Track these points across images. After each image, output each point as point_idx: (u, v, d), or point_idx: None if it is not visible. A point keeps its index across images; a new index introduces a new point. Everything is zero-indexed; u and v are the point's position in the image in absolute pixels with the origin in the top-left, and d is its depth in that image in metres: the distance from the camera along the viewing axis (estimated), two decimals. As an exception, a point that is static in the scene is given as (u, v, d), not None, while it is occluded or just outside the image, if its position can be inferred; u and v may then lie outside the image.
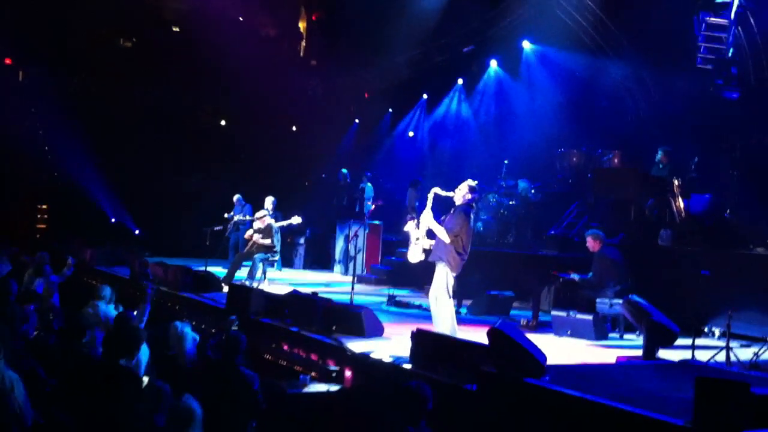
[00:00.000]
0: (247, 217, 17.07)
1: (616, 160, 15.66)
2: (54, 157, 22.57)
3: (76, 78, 22.81)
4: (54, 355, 8.76)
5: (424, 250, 9.35)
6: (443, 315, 9.10)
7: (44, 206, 23.84)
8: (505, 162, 17.13)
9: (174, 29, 25.65)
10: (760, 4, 13.21)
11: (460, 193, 9.18)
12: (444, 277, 9.02)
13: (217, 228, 16.67)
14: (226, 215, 17.29)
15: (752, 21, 13.51)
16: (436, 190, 9.35)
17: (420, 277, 15.71)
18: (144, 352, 7.76)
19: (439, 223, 9.14)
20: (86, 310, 10.17)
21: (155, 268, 14.53)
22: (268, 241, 14.35)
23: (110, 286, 10.75)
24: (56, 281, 12.44)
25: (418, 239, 9.39)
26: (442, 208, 9.58)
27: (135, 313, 9.58)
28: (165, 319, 9.40)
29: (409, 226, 9.48)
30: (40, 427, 5.84)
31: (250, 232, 14.79)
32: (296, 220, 16.13)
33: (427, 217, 9.15)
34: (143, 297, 9.65)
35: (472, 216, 9.25)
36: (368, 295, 14.29)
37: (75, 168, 21.73)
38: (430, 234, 9.27)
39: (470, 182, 9.28)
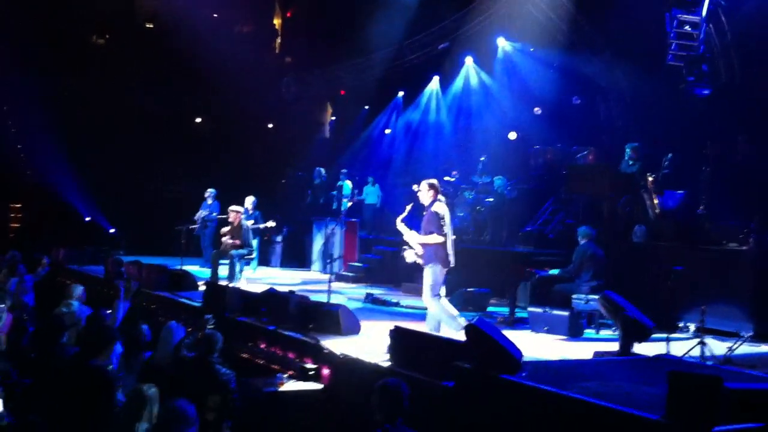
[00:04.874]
0: (214, 214, 17.00)
1: (591, 157, 15.75)
2: (27, 155, 22.33)
3: (49, 76, 22.53)
4: (27, 355, 8.69)
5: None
6: (430, 313, 9.52)
7: (18, 205, 23.58)
8: (482, 159, 17.20)
9: (147, 26, 25.47)
10: (731, 1, 13.34)
11: (423, 195, 9.53)
12: (429, 277, 9.35)
13: (192, 226, 16.65)
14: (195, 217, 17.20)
15: (723, 18, 13.64)
16: (400, 225, 9.77)
17: (397, 274, 15.79)
18: (117, 352, 7.71)
19: (421, 229, 9.50)
20: (61, 310, 10.09)
21: (130, 267, 14.41)
22: (237, 242, 14.28)
23: (82, 285, 10.69)
24: (30, 281, 12.33)
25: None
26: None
27: (109, 311, 9.52)
28: (140, 319, 9.33)
29: (409, 256, 9.73)
30: (11, 428, 5.78)
31: (225, 236, 14.62)
32: (270, 224, 16.21)
33: (412, 238, 9.58)
34: (118, 294, 9.59)
35: (444, 206, 9.50)
36: (346, 292, 14.28)
37: (48, 166, 21.50)
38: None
39: (427, 181, 9.62)
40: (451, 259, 9.46)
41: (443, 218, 9.34)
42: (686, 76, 13.00)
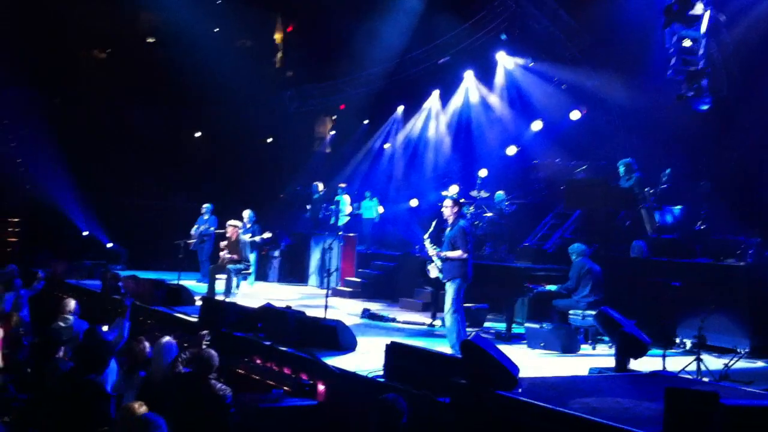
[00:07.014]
0: (212, 229, 16.98)
1: (589, 171, 15.74)
2: (26, 170, 22.31)
3: (49, 89, 22.55)
4: (24, 369, 8.68)
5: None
6: (450, 328, 9.70)
7: (15, 219, 23.54)
8: (480, 174, 17.17)
9: (149, 40, 25.52)
10: (731, 16, 13.33)
11: (448, 211, 9.89)
12: (452, 291, 9.63)
13: (189, 241, 16.65)
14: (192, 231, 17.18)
15: (724, 32, 13.63)
16: (427, 242, 10.21)
17: (395, 289, 15.77)
18: (112, 369, 7.70)
19: (445, 243, 9.80)
20: (58, 325, 10.07)
21: (127, 281, 14.36)
22: (235, 257, 14.26)
23: (75, 300, 10.67)
24: (26, 295, 12.30)
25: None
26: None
27: (105, 327, 9.49)
28: (136, 334, 9.30)
29: (433, 271, 10.27)
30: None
31: (223, 251, 14.60)
32: (266, 235, 16.17)
33: (439, 254, 9.94)
34: (122, 312, 9.56)
35: (467, 223, 10.05)
36: (343, 308, 14.24)
37: (46, 181, 21.48)
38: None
39: (450, 199, 10.03)
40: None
41: (469, 235, 9.68)
42: (686, 91, 12.96)
